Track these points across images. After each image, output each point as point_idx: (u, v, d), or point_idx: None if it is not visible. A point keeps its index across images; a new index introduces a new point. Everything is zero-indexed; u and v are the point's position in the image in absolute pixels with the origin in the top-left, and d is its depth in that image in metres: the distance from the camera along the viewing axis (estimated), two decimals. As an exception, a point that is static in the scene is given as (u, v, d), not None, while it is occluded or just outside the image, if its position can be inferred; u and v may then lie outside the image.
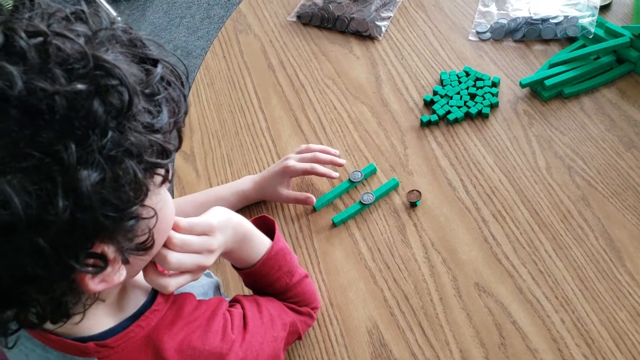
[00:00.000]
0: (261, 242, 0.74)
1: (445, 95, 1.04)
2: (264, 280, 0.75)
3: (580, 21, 1.07)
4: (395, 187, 0.96)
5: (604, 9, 1.10)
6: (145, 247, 0.53)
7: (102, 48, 0.46)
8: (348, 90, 1.12)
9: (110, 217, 0.46)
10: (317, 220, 0.96)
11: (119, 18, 2.64)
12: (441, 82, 1.07)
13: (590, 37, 1.04)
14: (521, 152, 0.96)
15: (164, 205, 0.54)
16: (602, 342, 0.75)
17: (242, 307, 0.70)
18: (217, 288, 0.82)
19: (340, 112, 1.09)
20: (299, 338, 0.79)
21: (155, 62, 0.50)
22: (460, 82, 1.05)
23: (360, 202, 0.95)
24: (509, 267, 0.84)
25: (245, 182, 0.97)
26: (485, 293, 0.82)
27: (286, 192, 0.95)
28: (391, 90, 1.09)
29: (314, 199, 0.94)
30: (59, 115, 0.42)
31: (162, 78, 0.50)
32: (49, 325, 0.55)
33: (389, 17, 1.20)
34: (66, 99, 0.42)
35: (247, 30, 1.29)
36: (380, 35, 1.18)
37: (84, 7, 0.48)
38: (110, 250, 0.48)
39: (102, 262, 0.48)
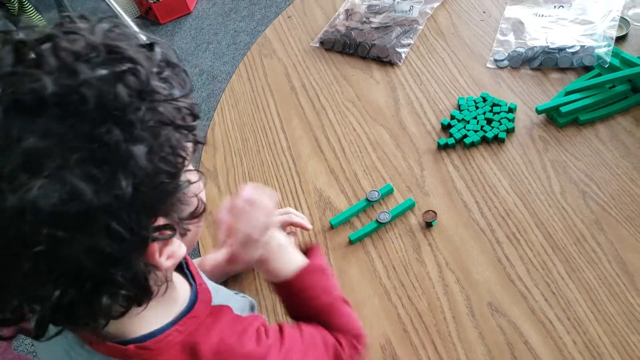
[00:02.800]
0: (296, 254, 0.76)
1: (463, 119, 1.06)
2: (302, 295, 0.74)
3: (597, 51, 1.09)
4: (411, 207, 0.98)
5: (620, 39, 1.13)
6: (198, 213, 0.56)
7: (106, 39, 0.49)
8: (367, 113, 1.15)
9: (166, 184, 0.49)
10: (334, 237, 0.98)
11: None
12: (459, 107, 1.10)
13: (606, 66, 1.06)
14: (536, 176, 0.97)
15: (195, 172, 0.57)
16: (613, 364, 0.75)
17: (281, 325, 0.69)
18: (252, 308, 0.84)
19: (360, 134, 1.12)
20: None
21: (151, 46, 0.52)
22: (477, 107, 1.08)
23: (376, 220, 0.97)
24: (522, 288, 0.85)
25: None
26: (498, 313, 0.83)
27: None
28: (409, 113, 1.12)
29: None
30: (92, 104, 0.44)
31: (163, 60, 0.52)
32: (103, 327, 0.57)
33: (409, 44, 1.24)
34: (93, 88, 0.44)
35: (271, 55, 1.33)
36: (400, 61, 1.21)
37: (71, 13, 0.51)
38: (165, 222, 0.51)
39: (170, 231, 0.51)
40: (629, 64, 1.04)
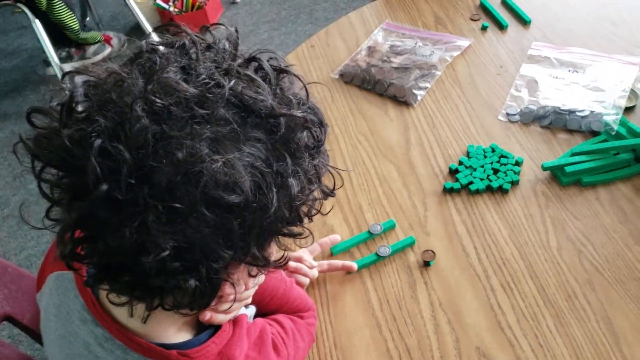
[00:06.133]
0: None
1: (470, 166, 1.10)
2: (266, 293, 0.81)
3: (605, 118, 1.13)
4: (411, 244, 1.00)
5: (629, 110, 1.17)
6: (280, 264, 0.61)
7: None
8: (379, 148, 1.18)
9: (288, 224, 0.56)
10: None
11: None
12: (467, 154, 1.13)
13: (613, 133, 1.10)
14: (535, 230, 1.00)
15: None
16: (592, 422, 0.77)
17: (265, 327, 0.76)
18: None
19: (369, 168, 1.15)
20: (313, 341, 0.88)
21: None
22: (485, 157, 1.11)
23: (376, 253, 0.99)
24: (510, 337, 0.87)
25: None
26: (485, 358, 0.85)
27: None
28: (419, 154, 1.16)
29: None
30: (281, 132, 0.52)
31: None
32: (136, 326, 0.61)
33: (425, 88, 1.28)
34: (290, 122, 0.52)
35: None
36: (415, 103, 1.25)
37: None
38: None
39: (260, 263, 0.56)
40: (634, 134, 1.08)
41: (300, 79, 0.58)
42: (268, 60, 0.57)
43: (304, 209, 0.58)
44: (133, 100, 0.49)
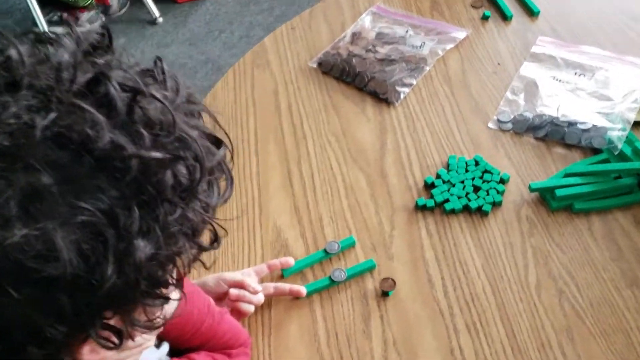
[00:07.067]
0: None
1: (448, 181, 0.97)
2: (187, 329, 0.71)
3: (609, 133, 0.99)
4: (370, 269, 0.89)
5: (639, 125, 1.02)
6: (154, 327, 0.49)
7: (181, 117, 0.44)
8: (349, 151, 1.05)
9: (145, 293, 0.43)
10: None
11: (161, 19, 2.62)
12: (447, 166, 1.00)
13: (616, 153, 0.96)
14: (513, 262, 0.88)
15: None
16: None
17: None
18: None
19: (336, 174, 1.02)
20: None
21: (219, 143, 0.48)
22: (467, 171, 0.98)
23: (330, 277, 0.88)
24: (469, 390, 0.76)
25: None
26: (437, 413, 0.74)
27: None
28: (394, 162, 1.03)
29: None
30: (130, 177, 0.39)
31: (220, 162, 0.48)
32: None
33: (410, 84, 1.14)
34: (142, 163, 0.39)
35: (264, 66, 1.23)
36: (397, 102, 1.11)
37: (164, 67, 0.46)
38: (116, 321, 0.45)
39: (117, 338, 0.44)
40: (641, 155, 0.94)
41: (161, 101, 0.42)
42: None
43: (169, 269, 0.45)
44: None
